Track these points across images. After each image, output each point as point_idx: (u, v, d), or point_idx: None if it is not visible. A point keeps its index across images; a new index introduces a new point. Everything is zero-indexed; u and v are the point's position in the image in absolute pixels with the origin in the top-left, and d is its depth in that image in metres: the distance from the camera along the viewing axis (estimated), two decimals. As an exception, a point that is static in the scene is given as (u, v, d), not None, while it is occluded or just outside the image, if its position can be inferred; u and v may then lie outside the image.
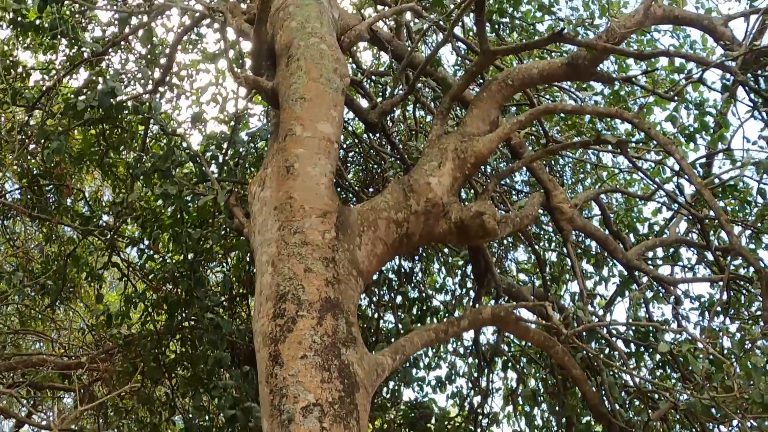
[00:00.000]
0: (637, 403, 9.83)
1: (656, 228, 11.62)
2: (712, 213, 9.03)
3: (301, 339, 5.27)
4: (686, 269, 11.37)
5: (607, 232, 10.27)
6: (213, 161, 10.47)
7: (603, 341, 9.55)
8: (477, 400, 11.59)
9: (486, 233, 6.85)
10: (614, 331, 9.76)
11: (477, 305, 10.23)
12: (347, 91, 7.35)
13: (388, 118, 10.78)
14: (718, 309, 9.74)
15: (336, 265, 5.82)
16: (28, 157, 11.70)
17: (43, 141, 10.66)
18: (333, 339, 5.33)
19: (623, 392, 9.79)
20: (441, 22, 8.88)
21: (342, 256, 5.94)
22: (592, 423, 10.80)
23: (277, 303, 5.52)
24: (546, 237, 12.57)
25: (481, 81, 9.54)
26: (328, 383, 5.11)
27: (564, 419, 10.58)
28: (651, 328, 9.28)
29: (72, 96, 10.07)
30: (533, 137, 11.23)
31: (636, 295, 9.08)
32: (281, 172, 6.31)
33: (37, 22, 11.17)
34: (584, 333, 8.82)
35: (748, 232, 10.53)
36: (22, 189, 12.31)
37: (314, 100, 6.64)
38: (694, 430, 9.64)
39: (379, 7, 11.82)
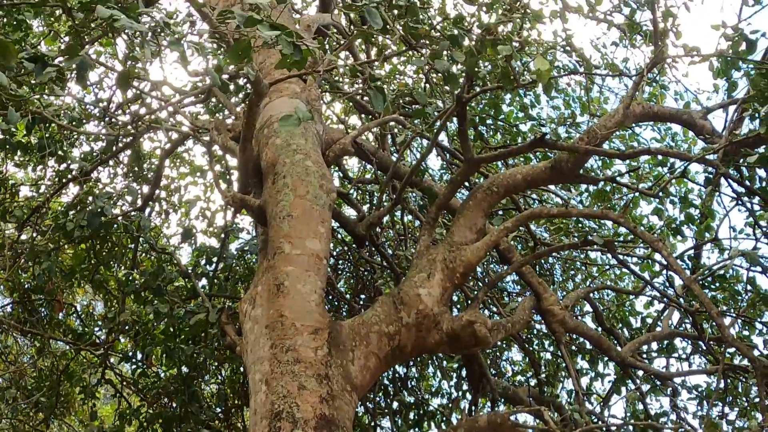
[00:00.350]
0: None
1: (649, 320, 11.63)
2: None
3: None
4: (681, 360, 11.37)
5: (599, 329, 10.27)
6: (203, 276, 10.52)
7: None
8: None
9: (478, 342, 6.85)
10: (613, 430, 9.71)
11: (473, 409, 10.19)
12: (334, 204, 7.42)
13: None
14: (716, 398, 9.72)
15: (330, 382, 5.82)
16: (19, 272, 11.70)
17: (34, 259, 10.70)
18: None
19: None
20: (424, 131, 9.00)
21: (335, 372, 5.94)
22: None
23: (272, 422, 5.51)
24: (540, 336, 12.55)
25: (467, 185, 9.63)
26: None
27: None
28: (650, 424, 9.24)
29: (61, 215, 10.14)
30: (521, 239, 11.29)
31: (632, 394, 9.06)
32: (272, 290, 6.34)
33: (26, 139, 11.26)
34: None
35: (740, 320, 10.57)
36: (14, 303, 12.31)
37: (302, 218, 6.70)
38: None
39: (363, 116, 11.98)
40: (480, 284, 11.27)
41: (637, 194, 11.03)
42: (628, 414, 10.47)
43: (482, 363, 9.71)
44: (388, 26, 6.40)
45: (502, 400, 10.10)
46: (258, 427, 5.61)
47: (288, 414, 5.50)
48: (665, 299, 10.56)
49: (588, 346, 12.04)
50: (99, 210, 9.61)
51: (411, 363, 12.47)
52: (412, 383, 12.57)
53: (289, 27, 5.36)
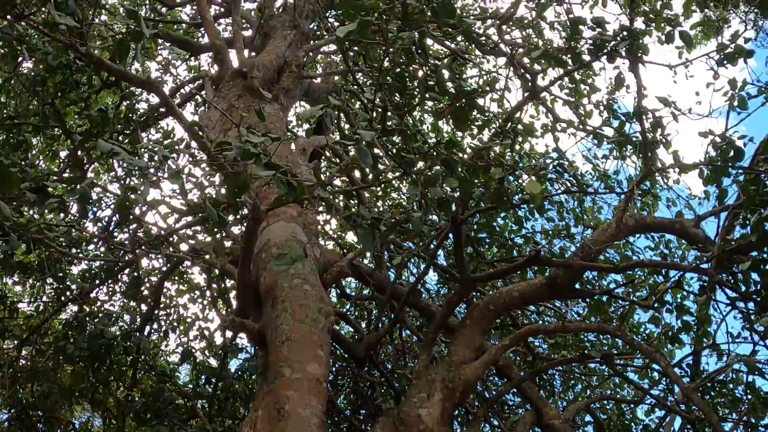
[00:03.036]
0: None
1: (651, 426, 11.60)
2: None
3: None
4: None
5: (601, 440, 10.26)
6: (203, 396, 10.52)
7: None
8: None
9: None
10: None
11: None
12: (333, 327, 7.48)
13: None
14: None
15: None
16: (18, 388, 11.68)
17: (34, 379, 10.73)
18: None
19: None
20: (420, 252, 9.10)
21: None
22: None
23: None
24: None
25: (465, 302, 9.69)
26: None
27: None
28: None
29: (61, 335, 10.20)
30: (520, 353, 11.31)
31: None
32: (272, 415, 6.34)
33: (25, 259, 11.36)
34: None
35: (742, 425, 10.55)
36: (11, 421, 12.25)
37: (301, 341, 6.74)
38: None
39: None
40: (480, 398, 11.25)
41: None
42: None
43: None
44: (380, 159, 6.53)
45: None
46: None
47: None
48: (665, 408, 10.55)
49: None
50: (99, 332, 9.67)
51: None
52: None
53: (284, 159, 5.50)
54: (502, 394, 9.77)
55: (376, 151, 6.70)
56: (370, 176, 9.83)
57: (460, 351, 7.48)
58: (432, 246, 8.67)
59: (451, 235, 7.79)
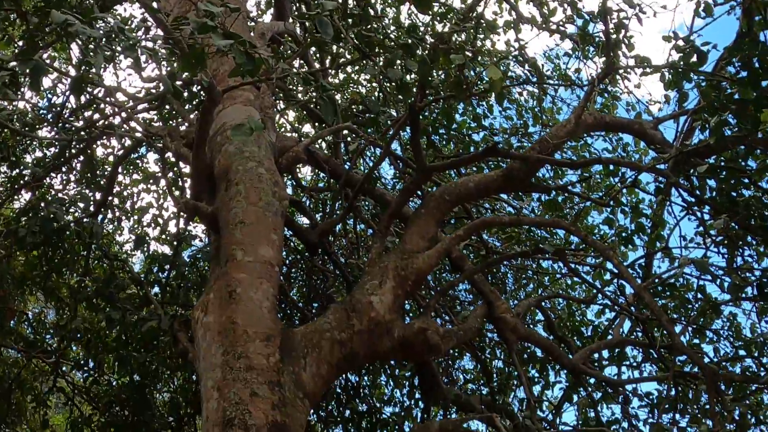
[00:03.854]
0: None
1: (600, 329, 11.68)
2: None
3: None
4: (632, 368, 11.42)
5: (551, 337, 10.31)
6: (156, 284, 10.47)
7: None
8: None
9: (430, 349, 6.88)
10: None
11: (425, 417, 10.21)
12: (287, 212, 7.42)
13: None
14: (667, 405, 9.79)
15: (282, 389, 5.81)
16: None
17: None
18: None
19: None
20: (377, 140, 9.02)
21: (287, 379, 5.93)
22: None
23: (224, 429, 5.48)
24: (492, 345, 12.57)
25: (420, 194, 9.65)
26: None
27: None
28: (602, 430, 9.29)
29: (13, 221, 10.06)
30: (473, 248, 11.31)
31: (584, 401, 9.08)
32: (224, 298, 6.32)
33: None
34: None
35: (691, 328, 10.65)
36: (-38, 310, 12.16)
37: (254, 225, 6.70)
38: None
39: (316, 125, 11.99)
40: (432, 292, 11.28)
41: (588, 203, 11.12)
42: (580, 421, 10.48)
43: (434, 371, 9.70)
44: (341, 35, 6.42)
45: (454, 407, 10.09)
46: (210, 435, 5.59)
47: (240, 421, 5.48)
48: (616, 307, 10.63)
49: (539, 354, 12.12)
50: (51, 216, 9.56)
51: (363, 371, 12.45)
52: (365, 391, 12.55)
53: (242, 35, 5.37)
54: (454, 284, 9.81)
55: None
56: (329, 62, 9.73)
57: (414, 240, 7.45)
58: (389, 135, 8.59)
59: (408, 125, 7.71)
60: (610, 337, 10.86)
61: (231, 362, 5.87)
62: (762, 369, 9.70)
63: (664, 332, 10.40)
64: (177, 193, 10.41)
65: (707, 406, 9.37)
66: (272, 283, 6.49)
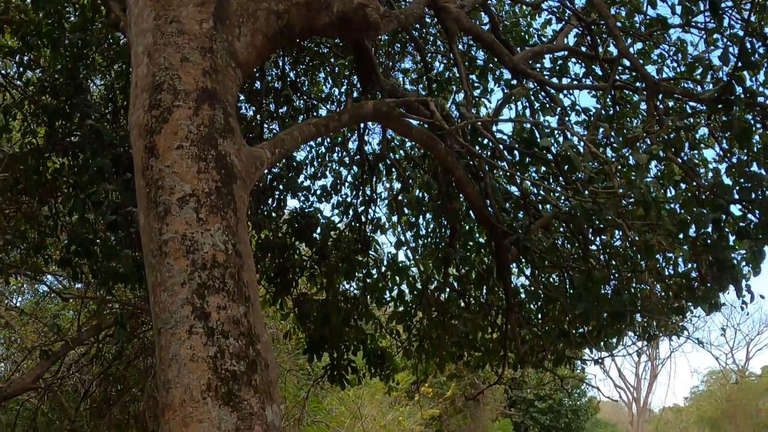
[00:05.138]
0: (521, 215, 9.93)
1: (546, 38, 11.62)
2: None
3: (177, 129, 5.12)
4: (574, 81, 11.41)
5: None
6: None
7: (489, 145, 9.51)
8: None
9: (369, 26, 6.70)
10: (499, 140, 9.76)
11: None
12: None
13: None
14: (603, 114, 9.84)
15: (214, 55, 5.64)
16: None
17: None
18: (210, 129, 5.19)
19: (507, 203, 9.87)
20: None
21: (220, 47, 5.75)
22: (475, 230, 10.97)
23: (152, 94, 5.33)
24: (432, 42, 12.47)
25: None
26: (204, 174, 4.99)
27: (448, 226, 10.69)
28: (537, 134, 9.30)
29: None
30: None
31: (519, 90, 9.02)
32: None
33: None
34: (468, 135, 8.81)
35: (638, 46, 10.59)
36: None
37: None
38: (575, 240, 9.83)
39: None
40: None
41: None
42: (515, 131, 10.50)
43: (372, 58, 9.56)
44: None
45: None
46: (138, 100, 5.43)
47: (169, 86, 5.33)
48: (566, 11, 10.49)
49: (480, 62, 12.05)
50: None
51: (302, 67, 12.37)
52: (304, 88, 12.50)
53: None
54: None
55: None
56: None
57: None
58: None
59: None
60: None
61: (162, 27, 5.65)
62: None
63: (609, 48, 10.36)
64: None
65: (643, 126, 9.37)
66: None
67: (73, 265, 10.12)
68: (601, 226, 9.26)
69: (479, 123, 7.99)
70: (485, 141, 9.26)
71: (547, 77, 10.91)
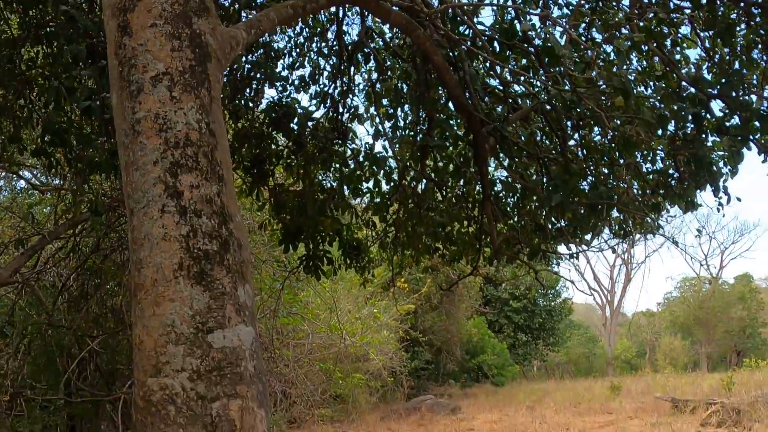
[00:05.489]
0: (500, 109, 9.84)
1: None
2: None
3: (150, 7, 4.97)
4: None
5: None
6: None
7: (469, 35, 9.39)
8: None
9: None
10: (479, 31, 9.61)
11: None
12: None
13: None
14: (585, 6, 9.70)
15: None
16: None
17: None
18: (184, 8, 5.04)
19: (486, 96, 9.78)
20: None
21: None
22: (454, 122, 10.90)
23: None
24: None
25: None
26: (178, 52, 4.87)
27: (425, 115, 10.61)
28: (517, 27, 9.18)
29: None
30: None
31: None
32: None
33: None
34: (448, 23, 8.69)
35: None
36: None
37: None
38: (554, 135, 9.76)
39: None
40: None
41: None
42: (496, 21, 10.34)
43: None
44: None
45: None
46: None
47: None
48: None
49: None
50: None
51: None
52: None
53: None
54: None
55: None
56: None
57: None
58: None
59: None
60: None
61: None
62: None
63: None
64: None
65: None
66: None
67: (48, 155, 10.02)
68: (580, 119, 9.22)
69: (459, 9, 7.86)
70: (466, 31, 9.14)
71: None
